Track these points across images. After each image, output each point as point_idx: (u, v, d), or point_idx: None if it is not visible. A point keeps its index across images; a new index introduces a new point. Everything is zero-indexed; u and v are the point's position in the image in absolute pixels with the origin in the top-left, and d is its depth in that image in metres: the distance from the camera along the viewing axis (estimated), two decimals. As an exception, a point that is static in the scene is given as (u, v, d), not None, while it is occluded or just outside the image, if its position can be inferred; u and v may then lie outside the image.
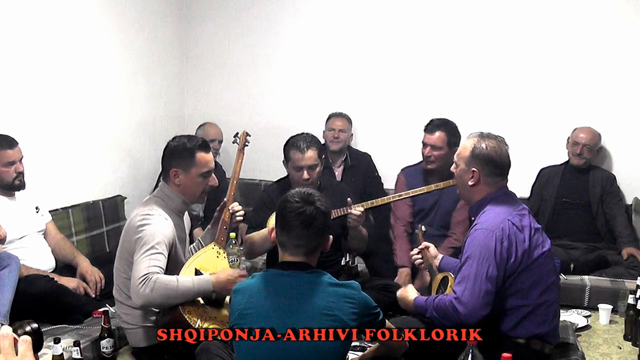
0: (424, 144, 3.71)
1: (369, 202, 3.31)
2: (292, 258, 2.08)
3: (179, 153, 2.72)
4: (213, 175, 2.81)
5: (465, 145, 2.55)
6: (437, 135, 3.67)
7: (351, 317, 1.99)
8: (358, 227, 3.25)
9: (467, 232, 3.60)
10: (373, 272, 3.72)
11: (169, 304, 2.49)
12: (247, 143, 3.15)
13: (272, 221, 3.18)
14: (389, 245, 3.79)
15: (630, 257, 3.79)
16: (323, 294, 2.00)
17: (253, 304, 2.04)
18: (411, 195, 3.38)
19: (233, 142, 3.17)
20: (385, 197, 3.49)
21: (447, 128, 3.69)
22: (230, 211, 2.87)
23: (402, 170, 3.92)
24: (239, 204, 2.95)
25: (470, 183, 2.51)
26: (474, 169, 2.49)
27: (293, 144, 3.22)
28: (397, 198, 3.43)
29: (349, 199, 3.24)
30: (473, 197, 2.54)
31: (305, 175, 3.21)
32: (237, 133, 3.17)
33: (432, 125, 3.71)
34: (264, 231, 3.14)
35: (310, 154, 3.20)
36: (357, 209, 3.18)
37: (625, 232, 3.93)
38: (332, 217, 3.07)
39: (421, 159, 3.80)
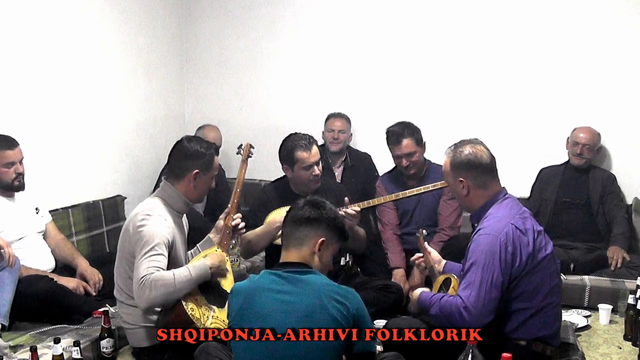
0: (397, 157, 3.66)
1: (365, 202, 3.32)
2: (290, 257, 2.12)
3: (202, 156, 2.76)
4: None
5: (445, 161, 2.60)
6: (406, 143, 3.62)
7: (345, 320, 2.02)
8: (354, 228, 3.24)
9: (455, 223, 3.66)
10: (368, 275, 3.72)
11: (172, 297, 2.50)
12: (250, 154, 3.16)
13: (270, 217, 3.20)
14: (381, 248, 3.79)
15: (612, 257, 3.73)
16: (319, 295, 2.02)
17: (249, 304, 2.05)
18: (408, 195, 3.39)
19: (237, 154, 3.18)
20: (382, 197, 3.50)
21: (408, 131, 3.65)
22: (232, 224, 2.89)
23: (380, 177, 3.93)
24: (240, 212, 2.98)
25: (463, 193, 2.53)
26: (460, 178, 2.52)
27: (296, 146, 3.24)
28: (394, 198, 3.43)
29: (346, 198, 3.24)
30: (473, 205, 2.55)
31: (317, 171, 3.24)
32: (241, 145, 3.18)
33: (395, 136, 3.64)
34: (260, 229, 3.16)
35: (315, 149, 3.26)
36: (352, 208, 3.18)
37: (617, 231, 3.90)
38: None
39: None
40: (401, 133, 3.64)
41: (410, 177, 3.69)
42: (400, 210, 3.81)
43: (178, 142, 2.85)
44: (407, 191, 3.41)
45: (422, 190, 3.36)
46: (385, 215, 3.81)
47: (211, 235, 2.93)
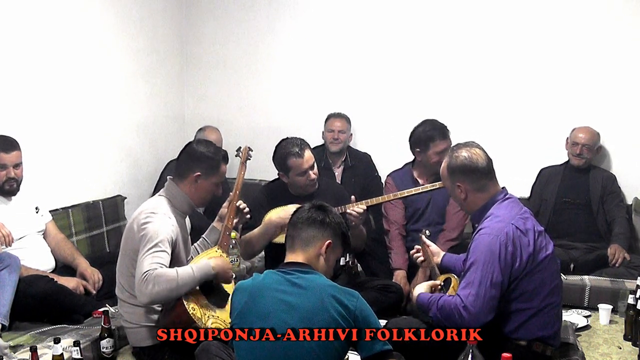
0: (441, 152, 3.59)
1: (372, 199, 3.32)
2: (295, 258, 2.14)
3: (206, 160, 2.79)
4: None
5: (442, 166, 2.61)
6: (448, 139, 3.66)
7: (346, 321, 2.02)
8: (359, 226, 3.25)
9: (460, 223, 3.65)
10: (369, 274, 3.73)
11: (174, 295, 2.50)
12: (249, 157, 3.17)
13: (267, 217, 3.20)
14: (384, 247, 3.79)
15: (613, 255, 3.75)
16: (321, 296, 2.02)
17: (252, 303, 2.06)
18: (413, 193, 3.38)
19: (236, 156, 3.18)
20: (386, 196, 3.50)
21: (446, 128, 3.68)
22: (237, 205, 2.95)
23: (389, 175, 3.91)
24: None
25: (462, 197, 2.55)
26: (457, 183, 2.53)
27: (288, 153, 3.21)
28: (400, 196, 3.43)
29: (352, 197, 3.25)
30: (473, 208, 2.56)
31: (312, 175, 3.23)
32: (240, 147, 3.18)
33: (439, 131, 3.64)
34: (258, 229, 3.16)
35: (308, 154, 3.23)
36: (359, 207, 3.18)
37: (617, 231, 3.90)
38: None
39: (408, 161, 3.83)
40: (442, 128, 3.66)
41: (421, 175, 3.69)
42: (410, 209, 3.79)
43: (189, 143, 2.89)
44: (412, 189, 3.40)
45: (421, 190, 3.36)
46: (392, 213, 3.79)
47: (215, 224, 2.98)
